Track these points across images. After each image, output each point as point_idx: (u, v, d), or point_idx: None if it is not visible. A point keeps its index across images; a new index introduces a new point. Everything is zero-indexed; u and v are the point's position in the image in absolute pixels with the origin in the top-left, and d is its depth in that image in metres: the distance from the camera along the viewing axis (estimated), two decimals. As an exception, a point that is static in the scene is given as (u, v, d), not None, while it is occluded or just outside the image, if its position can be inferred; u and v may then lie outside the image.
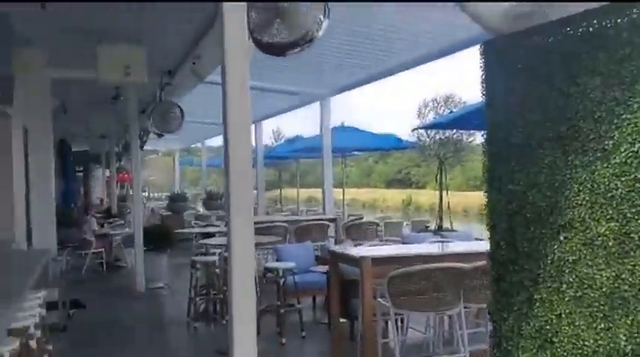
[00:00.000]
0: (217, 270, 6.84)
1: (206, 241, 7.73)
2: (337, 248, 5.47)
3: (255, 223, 8.87)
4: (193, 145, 26.41)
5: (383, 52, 7.93)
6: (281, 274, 6.09)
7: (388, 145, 12.60)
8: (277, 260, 7.25)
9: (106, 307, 8.17)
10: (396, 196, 54.29)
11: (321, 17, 2.98)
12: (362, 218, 10.75)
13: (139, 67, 6.67)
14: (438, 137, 10.56)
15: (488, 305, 2.58)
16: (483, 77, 2.61)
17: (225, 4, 3.29)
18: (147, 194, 43.93)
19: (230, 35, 3.27)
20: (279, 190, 22.47)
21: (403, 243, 9.70)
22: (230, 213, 3.15)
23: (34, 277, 3.90)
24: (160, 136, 9.67)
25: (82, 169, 28.83)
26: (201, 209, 17.92)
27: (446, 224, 11.14)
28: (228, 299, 3.22)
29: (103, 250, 11.29)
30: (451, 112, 9.63)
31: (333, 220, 9.65)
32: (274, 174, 24.76)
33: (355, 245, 8.98)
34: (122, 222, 14.43)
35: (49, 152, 8.40)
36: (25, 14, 5.66)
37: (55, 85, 9.25)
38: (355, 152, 16.18)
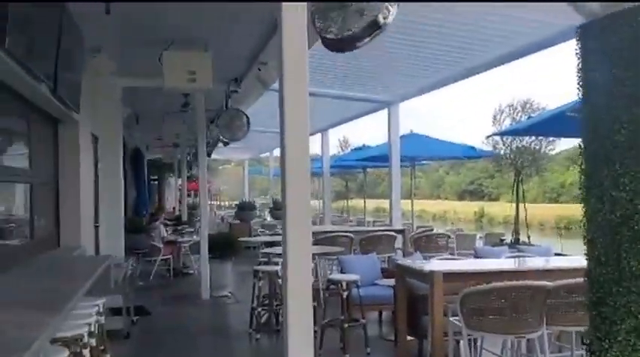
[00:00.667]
0: (280, 280, 6.63)
1: (269, 250, 7.55)
2: (405, 261, 5.11)
3: (320, 232, 8.65)
4: (263, 155, 26.60)
5: (454, 55, 7.53)
6: (344, 286, 5.80)
7: (461, 153, 12.06)
8: (341, 272, 6.97)
9: (170, 315, 8.14)
10: (467, 208, 52.71)
11: (389, 5, 2.70)
12: (431, 230, 10.30)
13: (204, 72, 6.59)
14: (514, 145, 9.97)
15: (585, 332, 2.19)
16: (580, 66, 2.24)
17: (285, 5, 3.06)
18: (218, 203, 44.87)
19: (288, 38, 3.03)
20: (345, 201, 22.19)
21: (476, 257, 9.18)
22: (286, 223, 2.90)
23: (89, 284, 3.80)
24: (225, 144, 9.65)
25: (156, 177, 29.78)
26: (268, 218, 17.92)
27: (522, 238, 10.51)
28: (283, 313, 2.97)
29: (170, 256, 11.38)
30: (529, 117, 9.05)
31: (400, 232, 9.27)
32: (342, 184, 24.51)
33: (424, 258, 8.58)
34: (191, 229, 14.61)
35: (118, 160, 8.51)
36: (91, 20, 5.69)
37: (125, 94, 9.44)
38: (425, 161, 15.69)
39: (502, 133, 9.75)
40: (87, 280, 3.84)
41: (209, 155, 13.33)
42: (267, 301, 6.97)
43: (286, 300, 2.88)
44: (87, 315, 4.05)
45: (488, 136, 9.72)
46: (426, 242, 9.15)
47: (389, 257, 8.71)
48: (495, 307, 3.96)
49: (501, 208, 47.24)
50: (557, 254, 8.72)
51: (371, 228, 9.76)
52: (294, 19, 3.03)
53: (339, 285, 5.83)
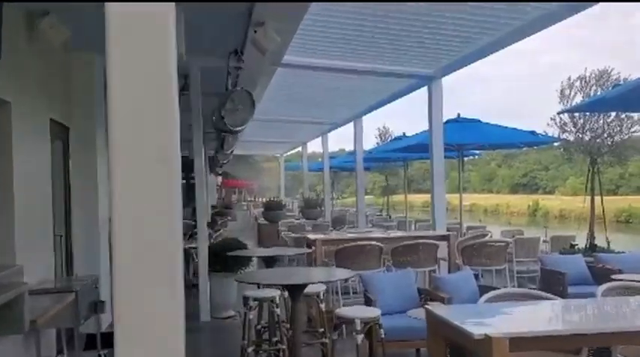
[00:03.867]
0: (278, 310, 4.95)
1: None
2: (441, 311, 3.15)
3: (340, 241, 6.84)
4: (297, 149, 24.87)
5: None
6: (358, 327, 4.03)
7: (519, 140, 9.99)
8: (365, 295, 5.21)
9: (155, 345, 6.54)
10: (521, 201, 50.47)
11: None
12: (485, 235, 8.32)
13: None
14: (587, 128, 7.92)
15: None
16: None
17: None
18: (261, 200, 43.74)
19: None
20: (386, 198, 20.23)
21: (542, 268, 7.25)
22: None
23: None
24: (228, 132, 7.99)
25: (193, 176, 28.51)
26: (298, 218, 16.22)
27: (597, 240, 8.45)
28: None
29: (177, 266, 9.82)
30: (615, 87, 7.01)
31: (445, 238, 7.37)
32: (383, 180, 22.48)
33: (476, 274, 6.71)
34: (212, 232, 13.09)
35: (94, 155, 6.96)
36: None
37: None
38: (477, 151, 13.62)
39: (577, 109, 7.68)
40: None
41: (222, 147, 11.76)
42: (263, 338, 5.29)
43: None
44: None
45: (559, 113, 7.65)
46: (478, 250, 7.25)
47: (430, 272, 6.89)
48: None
49: (558, 202, 44.55)
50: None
51: (407, 233, 7.84)
52: None
53: (352, 325, 4.07)
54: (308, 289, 5.03)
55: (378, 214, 19.12)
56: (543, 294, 3.15)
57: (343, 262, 6.57)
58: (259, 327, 5.44)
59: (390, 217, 17.04)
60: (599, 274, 7.00)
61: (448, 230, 8.78)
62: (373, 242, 6.67)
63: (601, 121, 7.85)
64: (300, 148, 20.66)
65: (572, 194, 43.35)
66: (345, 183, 56.75)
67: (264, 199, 31.61)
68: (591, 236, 8.25)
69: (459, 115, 10.57)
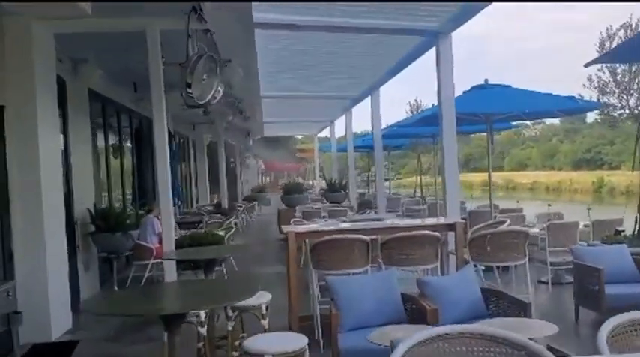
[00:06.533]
0: (203, 329, 3.84)
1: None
2: None
3: (320, 233, 5.30)
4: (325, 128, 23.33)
5: None
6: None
7: (556, 107, 8.36)
8: (331, 308, 4.03)
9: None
10: (584, 178, 47.99)
11: None
12: (502, 223, 6.74)
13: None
14: (635, 86, 6.33)
15: None
16: None
17: None
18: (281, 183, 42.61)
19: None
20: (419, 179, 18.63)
21: (575, 262, 5.83)
22: None
23: None
24: (196, 106, 6.87)
25: (233, 160, 27.98)
26: (318, 203, 14.97)
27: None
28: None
29: (167, 258, 8.88)
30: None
31: (451, 227, 5.98)
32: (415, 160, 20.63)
33: (484, 273, 5.39)
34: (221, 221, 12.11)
35: (34, 134, 6.00)
36: None
37: (87, 47, 7.21)
38: (513, 123, 11.95)
39: (613, 59, 6.03)
40: None
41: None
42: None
43: None
44: None
45: (587, 65, 5.93)
46: (493, 242, 5.85)
47: (430, 271, 5.59)
48: None
49: (624, 177, 41.70)
50: None
51: (410, 222, 6.36)
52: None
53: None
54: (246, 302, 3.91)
55: (411, 197, 17.67)
56: (511, 336, 1.86)
57: (320, 261, 5.39)
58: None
59: (423, 200, 15.60)
60: (648, 270, 5.56)
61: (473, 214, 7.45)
62: (356, 235, 5.39)
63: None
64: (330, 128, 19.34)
65: (640, 170, 40.43)
66: (401, 163, 54.83)
67: (282, 183, 30.54)
68: (640, 221, 6.70)
69: (486, 80, 9.09)
